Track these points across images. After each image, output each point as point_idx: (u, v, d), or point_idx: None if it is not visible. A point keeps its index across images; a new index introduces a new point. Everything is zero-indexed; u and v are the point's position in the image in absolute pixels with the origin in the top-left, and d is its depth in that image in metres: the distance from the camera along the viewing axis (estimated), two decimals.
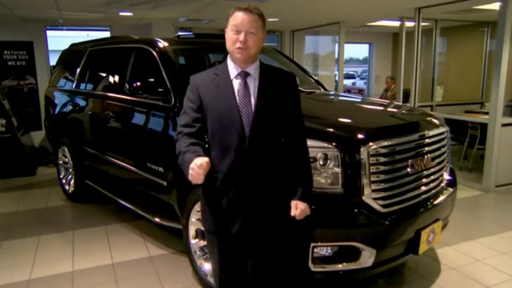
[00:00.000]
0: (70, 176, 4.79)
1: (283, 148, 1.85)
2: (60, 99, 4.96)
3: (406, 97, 6.79)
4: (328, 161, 2.31)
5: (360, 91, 15.17)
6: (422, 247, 2.55)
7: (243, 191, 1.78)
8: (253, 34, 1.74)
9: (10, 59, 7.22)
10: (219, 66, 1.90)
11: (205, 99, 1.81)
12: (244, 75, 1.80)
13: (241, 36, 1.73)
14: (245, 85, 1.79)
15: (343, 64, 8.03)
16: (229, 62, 1.84)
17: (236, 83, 1.80)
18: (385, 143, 2.40)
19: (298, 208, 1.80)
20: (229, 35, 1.76)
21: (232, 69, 1.82)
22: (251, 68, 1.81)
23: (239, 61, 1.79)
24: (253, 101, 1.77)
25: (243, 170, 1.76)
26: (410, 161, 2.51)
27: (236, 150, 1.75)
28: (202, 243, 2.82)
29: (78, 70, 4.61)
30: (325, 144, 2.32)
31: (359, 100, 4.06)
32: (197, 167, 1.58)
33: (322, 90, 3.92)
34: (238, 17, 1.74)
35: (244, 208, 1.79)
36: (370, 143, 2.35)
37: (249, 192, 1.78)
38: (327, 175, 2.32)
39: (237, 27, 1.74)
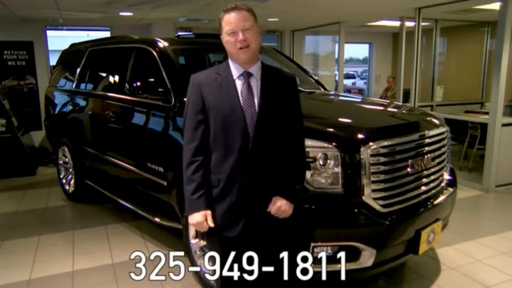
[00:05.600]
0: (70, 176, 4.79)
1: (285, 149, 1.84)
2: (60, 99, 4.96)
3: (406, 97, 6.79)
4: (328, 161, 2.31)
5: (360, 91, 15.16)
6: (423, 247, 2.55)
7: (246, 192, 1.77)
8: (249, 30, 1.74)
9: (10, 59, 7.23)
10: (220, 66, 1.89)
11: (208, 98, 1.79)
12: (247, 75, 1.79)
13: (240, 36, 1.72)
14: (248, 86, 1.78)
15: (343, 64, 8.04)
16: (230, 62, 1.83)
17: (239, 84, 1.79)
18: (385, 143, 2.40)
19: (275, 204, 1.77)
20: (228, 39, 1.76)
21: (235, 69, 1.81)
22: (253, 68, 1.80)
23: (243, 61, 1.78)
24: (256, 102, 1.76)
25: (246, 171, 1.75)
26: (410, 161, 2.51)
27: (240, 151, 1.74)
28: (202, 243, 2.82)
29: (78, 70, 4.61)
30: (325, 144, 2.32)
31: (359, 100, 4.06)
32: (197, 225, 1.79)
33: (322, 90, 3.91)
34: (229, 19, 1.74)
35: (247, 209, 1.78)
36: (370, 143, 2.35)
37: (252, 193, 1.77)
38: (327, 175, 2.31)
39: (232, 29, 1.74)
